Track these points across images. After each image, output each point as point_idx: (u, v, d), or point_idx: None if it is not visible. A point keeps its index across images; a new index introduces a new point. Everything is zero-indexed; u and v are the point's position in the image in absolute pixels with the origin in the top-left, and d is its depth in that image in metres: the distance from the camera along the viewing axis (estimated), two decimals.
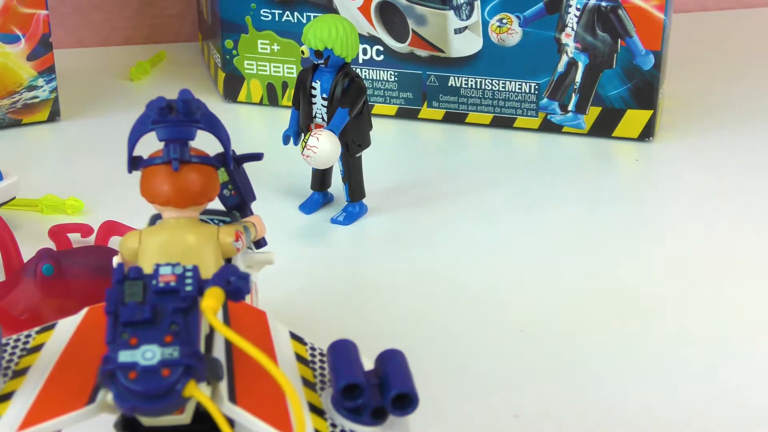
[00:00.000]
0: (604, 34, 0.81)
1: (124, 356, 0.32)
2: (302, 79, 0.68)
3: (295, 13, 0.86)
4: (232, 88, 0.89)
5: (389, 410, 0.37)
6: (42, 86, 0.84)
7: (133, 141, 0.43)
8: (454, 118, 0.86)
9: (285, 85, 0.88)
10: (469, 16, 0.83)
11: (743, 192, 0.76)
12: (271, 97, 0.89)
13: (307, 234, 0.69)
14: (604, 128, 0.83)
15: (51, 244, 0.63)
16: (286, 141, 0.69)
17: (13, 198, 0.69)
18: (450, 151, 0.83)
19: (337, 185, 0.71)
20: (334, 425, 0.36)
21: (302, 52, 0.67)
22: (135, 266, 0.36)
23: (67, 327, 0.39)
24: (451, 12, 0.83)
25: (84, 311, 0.39)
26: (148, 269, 0.40)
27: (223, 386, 0.34)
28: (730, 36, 1.07)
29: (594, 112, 0.83)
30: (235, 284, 0.35)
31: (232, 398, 0.34)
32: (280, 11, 0.86)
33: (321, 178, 0.71)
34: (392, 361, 0.38)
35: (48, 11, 0.83)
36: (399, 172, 0.62)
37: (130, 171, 0.44)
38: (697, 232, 0.70)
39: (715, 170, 0.79)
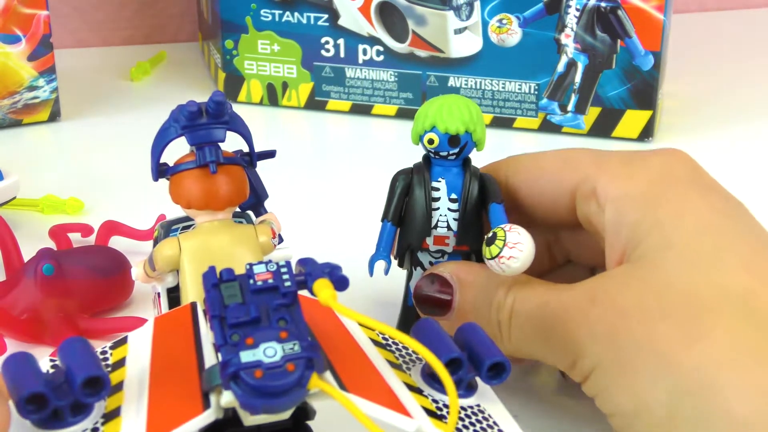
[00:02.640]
0: (604, 34, 0.81)
1: (246, 356, 0.32)
2: (410, 181, 0.52)
3: (295, 13, 0.86)
4: (232, 88, 0.90)
5: (485, 380, 0.38)
6: (42, 86, 0.84)
7: (160, 148, 0.43)
8: None
9: (285, 86, 0.88)
10: (469, 17, 0.83)
11: (743, 192, 0.76)
12: (271, 97, 0.89)
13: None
14: (603, 128, 0.83)
15: (51, 244, 0.63)
16: (372, 270, 0.52)
17: (14, 198, 0.69)
18: None
19: None
20: (435, 401, 0.37)
21: (430, 141, 0.50)
22: (227, 268, 0.35)
23: (141, 339, 0.38)
24: (451, 12, 0.83)
25: (150, 322, 0.39)
26: (195, 274, 0.41)
27: (330, 377, 0.34)
28: (730, 36, 1.07)
29: (594, 112, 0.83)
30: (336, 274, 0.35)
31: (343, 387, 0.34)
32: (281, 11, 0.86)
33: None
34: (472, 333, 0.39)
35: (48, 11, 0.83)
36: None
37: (156, 179, 0.44)
38: None
39: (714, 170, 0.79)
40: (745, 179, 0.78)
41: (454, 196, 0.51)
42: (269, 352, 0.33)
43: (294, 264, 0.36)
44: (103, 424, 0.34)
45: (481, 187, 0.51)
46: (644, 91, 0.82)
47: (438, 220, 0.51)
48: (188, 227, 0.48)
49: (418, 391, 0.37)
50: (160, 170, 0.44)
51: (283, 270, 0.35)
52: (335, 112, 0.88)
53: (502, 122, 0.85)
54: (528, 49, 0.82)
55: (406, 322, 0.53)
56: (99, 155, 0.81)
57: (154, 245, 0.47)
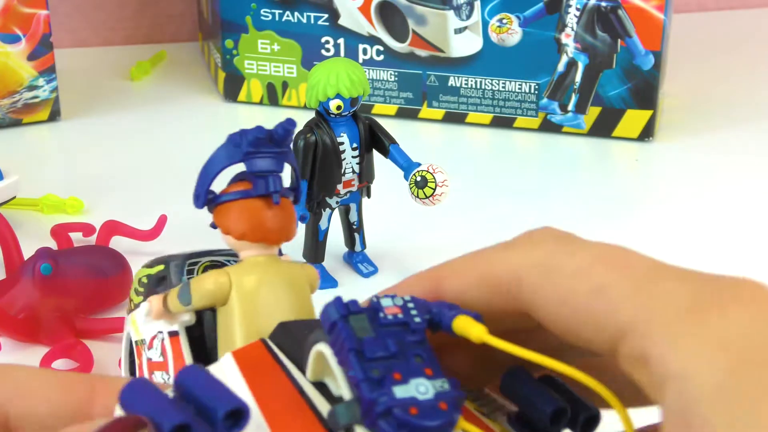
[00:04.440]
0: (604, 34, 0.81)
1: (401, 392, 0.31)
2: (315, 141, 0.61)
3: (296, 13, 0.86)
4: (232, 88, 0.90)
5: None
6: (42, 86, 0.84)
7: (214, 173, 0.40)
8: (454, 118, 0.86)
9: (285, 85, 0.88)
10: (469, 16, 0.83)
11: (743, 192, 0.76)
12: (271, 97, 0.89)
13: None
14: (604, 128, 0.83)
15: (52, 243, 0.63)
16: (301, 220, 0.61)
17: (14, 197, 0.69)
18: (450, 151, 0.83)
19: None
20: None
21: (338, 107, 0.61)
22: (352, 300, 0.33)
23: (229, 374, 0.35)
24: (451, 12, 0.83)
25: (229, 357, 0.36)
26: (249, 313, 0.38)
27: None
28: (730, 36, 1.07)
29: (594, 112, 0.83)
30: (469, 312, 0.34)
31: None
32: (281, 11, 0.86)
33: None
34: (526, 383, 0.37)
35: (48, 11, 0.83)
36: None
37: (202, 206, 0.41)
38: (697, 232, 0.70)
39: (714, 170, 0.79)
40: (745, 179, 0.78)
41: (355, 145, 0.62)
42: (421, 389, 0.31)
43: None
44: None
45: (371, 132, 0.62)
46: (644, 91, 0.82)
47: (345, 168, 0.62)
48: (216, 264, 0.46)
49: None
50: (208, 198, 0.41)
51: (410, 305, 0.34)
52: None
53: (503, 122, 0.85)
54: (528, 49, 0.82)
55: (315, 257, 0.64)
56: (99, 155, 0.81)
57: (155, 281, 0.45)
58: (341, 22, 0.85)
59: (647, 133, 0.83)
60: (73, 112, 0.88)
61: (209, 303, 0.39)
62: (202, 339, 0.41)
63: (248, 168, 0.40)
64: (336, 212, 0.65)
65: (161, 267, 0.46)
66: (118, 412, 0.32)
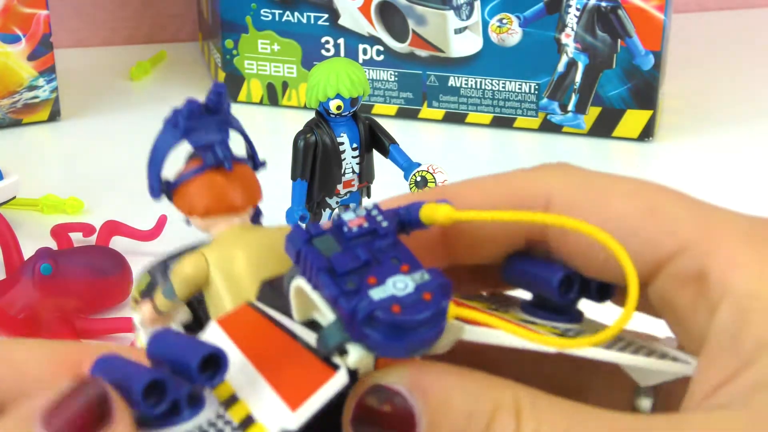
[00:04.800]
0: (604, 34, 0.81)
1: (377, 293, 0.29)
2: (315, 141, 0.61)
3: (296, 13, 0.86)
4: (232, 88, 0.90)
5: (595, 299, 0.34)
6: (42, 86, 0.84)
7: (160, 161, 0.39)
8: (454, 118, 0.86)
9: (285, 85, 0.88)
10: (469, 16, 0.83)
11: (743, 192, 0.76)
12: (271, 97, 0.89)
13: None
14: (603, 128, 0.83)
15: (52, 243, 0.63)
16: (300, 220, 0.62)
17: (14, 198, 0.69)
18: (450, 151, 0.83)
19: None
20: (555, 327, 0.34)
21: (338, 107, 0.60)
22: (312, 224, 0.32)
23: (216, 338, 0.33)
24: (451, 12, 0.83)
25: (214, 324, 0.34)
26: (234, 289, 0.37)
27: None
28: (730, 36, 1.07)
29: (594, 112, 0.83)
30: (425, 202, 0.32)
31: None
32: (281, 11, 0.86)
33: None
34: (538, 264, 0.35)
35: (48, 11, 0.83)
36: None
37: (158, 196, 0.39)
38: None
39: (715, 170, 0.79)
40: (745, 179, 0.78)
41: (355, 145, 0.62)
42: (399, 285, 0.29)
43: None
44: (226, 410, 0.30)
45: (371, 132, 0.62)
46: (644, 91, 0.82)
47: (345, 169, 0.62)
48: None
49: (532, 322, 0.34)
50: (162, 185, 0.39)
51: (374, 212, 0.32)
52: None
53: (503, 122, 0.85)
54: (528, 49, 0.82)
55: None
56: (99, 155, 0.81)
57: (147, 292, 0.43)
58: (341, 22, 0.85)
59: (647, 133, 0.83)
60: (73, 112, 0.88)
61: (193, 288, 0.38)
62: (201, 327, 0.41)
63: (192, 144, 0.39)
64: (336, 212, 0.65)
65: (147, 277, 0.45)
66: None
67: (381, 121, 0.64)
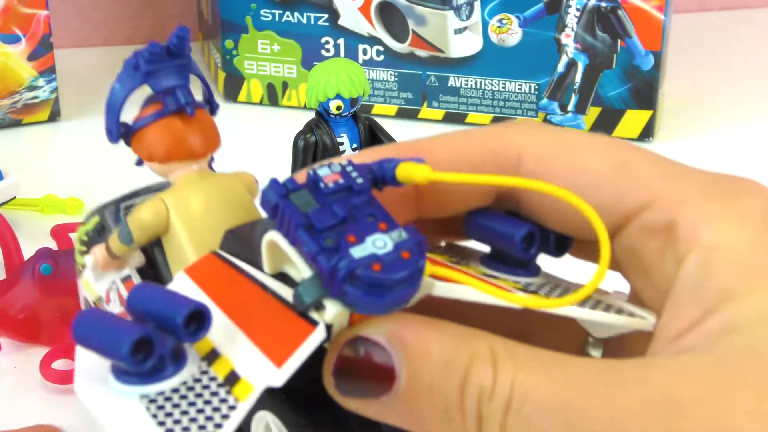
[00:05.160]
0: (604, 34, 0.81)
1: (359, 252, 0.29)
2: (315, 141, 0.61)
3: (296, 13, 0.86)
4: (232, 88, 0.90)
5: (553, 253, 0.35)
6: (42, 86, 0.84)
7: (120, 103, 0.38)
8: (454, 118, 0.86)
9: (285, 85, 0.88)
10: (469, 17, 0.83)
11: None
12: (272, 97, 0.89)
13: None
14: (603, 128, 0.83)
15: (52, 243, 0.63)
16: None
17: (14, 198, 0.69)
18: None
19: None
20: (517, 281, 0.34)
21: (338, 108, 0.60)
22: (289, 178, 0.31)
23: (187, 290, 0.33)
24: (451, 12, 0.83)
25: (181, 276, 0.33)
26: (195, 234, 0.36)
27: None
28: (730, 36, 1.07)
29: (594, 112, 0.83)
30: (413, 158, 0.32)
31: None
32: (281, 11, 0.86)
33: None
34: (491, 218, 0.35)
35: (48, 11, 0.83)
36: None
37: (116, 140, 0.39)
38: None
39: (715, 170, 0.79)
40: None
41: (355, 145, 0.61)
42: (378, 243, 0.29)
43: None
44: (209, 365, 0.30)
45: (371, 132, 0.62)
46: (644, 91, 0.82)
47: None
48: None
49: (494, 277, 0.34)
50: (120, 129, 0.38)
51: (349, 168, 0.32)
52: None
53: (502, 122, 0.85)
54: (528, 49, 0.82)
55: None
56: (99, 155, 0.81)
57: (96, 234, 0.42)
58: (341, 22, 0.85)
59: (647, 133, 0.83)
60: (73, 112, 0.88)
61: (151, 234, 0.37)
62: (157, 278, 0.39)
63: (153, 87, 0.38)
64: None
65: (97, 218, 0.44)
66: (78, 351, 0.31)
67: (381, 122, 0.64)
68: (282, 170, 0.76)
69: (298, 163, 0.61)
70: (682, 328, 0.30)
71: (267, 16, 0.87)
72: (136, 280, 0.40)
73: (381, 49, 0.85)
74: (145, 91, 0.39)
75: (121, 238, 0.38)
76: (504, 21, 0.83)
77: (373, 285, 0.29)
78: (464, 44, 0.84)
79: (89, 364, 0.31)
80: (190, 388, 0.30)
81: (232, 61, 0.88)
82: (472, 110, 0.85)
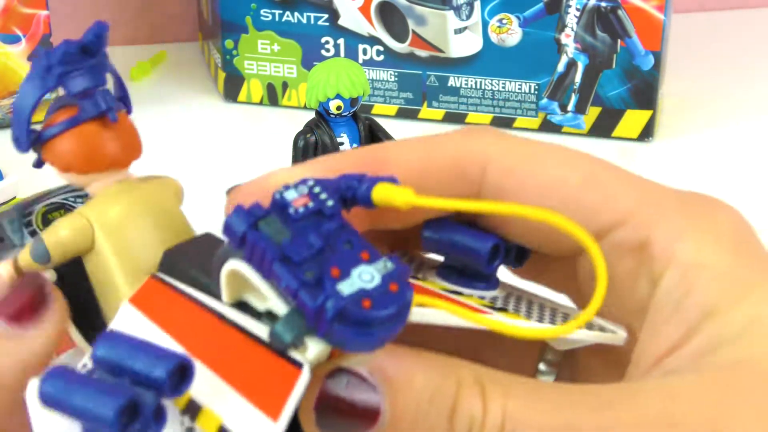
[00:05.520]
0: (604, 34, 0.81)
1: (347, 288, 0.27)
2: (315, 141, 0.62)
3: (296, 13, 0.86)
4: (232, 88, 0.90)
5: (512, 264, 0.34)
6: None
7: (31, 107, 0.34)
8: (454, 118, 0.86)
9: (285, 85, 0.88)
10: (469, 17, 0.83)
11: (743, 191, 0.76)
12: (272, 97, 0.89)
13: None
14: (603, 128, 0.83)
15: None
16: None
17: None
18: None
19: None
20: (481, 297, 0.33)
21: (338, 108, 0.61)
22: (255, 204, 0.29)
23: (144, 329, 0.31)
24: (451, 12, 0.83)
25: (129, 306, 0.31)
26: (124, 250, 0.33)
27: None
28: (730, 36, 1.07)
29: (594, 112, 0.83)
30: (384, 177, 0.30)
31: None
32: (281, 11, 0.86)
33: None
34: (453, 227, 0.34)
35: (48, 11, 0.83)
36: None
37: (27, 149, 0.35)
38: None
39: (715, 170, 0.79)
40: (744, 179, 0.78)
41: (355, 145, 0.62)
42: (366, 277, 0.27)
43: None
44: (192, 420, 0.28)
45: (371, 132, 0.63)
46: (644, 91, 0.82)
47: None
48: (55, 206, 0.39)
49: (459, 293, 0.33)
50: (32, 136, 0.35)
51: (317, 189, 0.29)
52: None
53: (502, 122, 0.85)
54: (528, 49, 0.82)
55: None
56: None
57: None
58: (341, 22, 0.85)
59: (647, 133, 0.83)
60: None
61: (72, 252, 0.34)
62: (71, 297, 0.35)
63: (68, 90, 0.35)
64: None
65: None
66: (37, 412, 0.28)
67: (381, 121, 0.64)
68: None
69: (298, 162, 0.61)
70: (663, 350, 0.30)
71: (267, 16, 0.87)
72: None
73: (381, 49, 0.85)
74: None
75: (35, 256, 0.34)
76: (504, 21, 0.83)
77: (364, 323, 0.27)
78: (464, 44, 0.84)
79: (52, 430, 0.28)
80: None
81: (232, 61, 0.88)
82: (472, 110, 0.85)
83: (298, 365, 0.28)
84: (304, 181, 0.29)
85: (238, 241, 0.28)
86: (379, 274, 0.28)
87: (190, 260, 0.32)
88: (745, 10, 1.14)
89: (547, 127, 0.84)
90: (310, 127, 0.62)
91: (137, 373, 0.27)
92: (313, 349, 0.28)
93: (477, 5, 0.82)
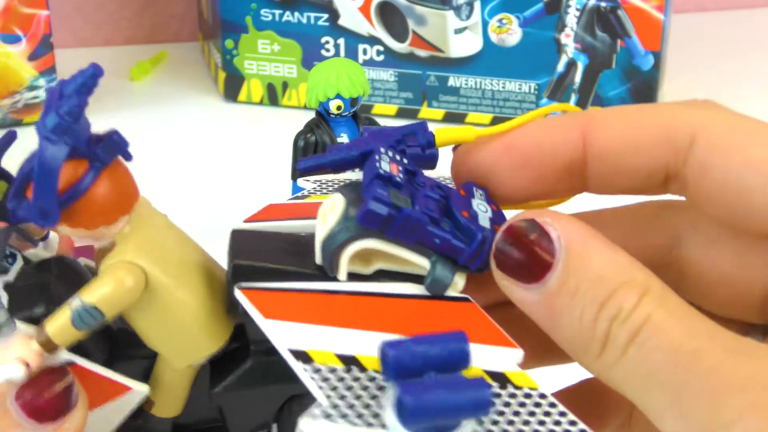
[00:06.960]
0: (604, 34, 0.81)
1: (482, 221, 0.32)
2: (315, 141, 0.62)
3: (296, 13, 0.86)
4: (232, 88, 0.90)
5: None
6: (43, 86, 0.84)
7: (56, 177, 0.32)
8: (454, 118, 0.86)
9: (285, 85, 0.88)
10: (469, 17, 0.83)
11: None
12: (272, 97, 0.89)
13: None
14: None
15: None
16: None
17: None
18: (450, 151, 0.83)
19: None
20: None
21: (338, 108, 0.61)
22: (371, 183, 0.30)
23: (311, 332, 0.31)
24: (451, 12, 0.83)
25: (269, 323, 0.30)
26: (190, 283, 0.32)
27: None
28: (730, 36, 1.07)
29: None
30: (417, 127, 0.35)
31: None
32: (281, 11, 0.86)
33: None
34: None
35: (49, 11, 0.83)
36: None
37: (55, 221, 0.32)
38: None
39: None
40: None
41: None
42: (481, 207, 0.32)
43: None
44: (501, 387, 0.30)
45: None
46: (644, 91, 0.82)
47: None
48: (45, 264, 0.36)
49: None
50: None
51: (390, 154, 0.32)
52: None
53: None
54: (528, 49, 0.83)
55: None
56: None
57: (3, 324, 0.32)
58: (341, 22, 0.85)
59: None
60: None
61: (126, 306, 0.31)
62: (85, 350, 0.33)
63: (81, 145, 0.34)
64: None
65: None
66: None
67: (381, 121, 0.64)
68: (282, 170, 0.76)
69: (297, 162, 0.61)
70: None
71: (267, 16, 0.87)
72: (84, 361, 0.33)
73: (381, 49, 0.85)
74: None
75: (80, 324, 0.31)
76: (504, 21, 0.83)
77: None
78: (464, 44, 0.84)
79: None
80: (503, 413, 0.28)
81: (232, 61, 0.89)
82: (472, 110, 0.85)
83: (464, 300, 0.32)
84: (377, 150, 0.32)
85: (382, 223, 0.30)
86: (483, 201, 0.32)
87: (261, 259, 0.32)
88: (745, 10, 1.14)
89: None
90: (310, 127, 0.62)
91: (439, 362, 0.28)
92: (460, 282, 0.32)
93: (477, 5, 0.83)
